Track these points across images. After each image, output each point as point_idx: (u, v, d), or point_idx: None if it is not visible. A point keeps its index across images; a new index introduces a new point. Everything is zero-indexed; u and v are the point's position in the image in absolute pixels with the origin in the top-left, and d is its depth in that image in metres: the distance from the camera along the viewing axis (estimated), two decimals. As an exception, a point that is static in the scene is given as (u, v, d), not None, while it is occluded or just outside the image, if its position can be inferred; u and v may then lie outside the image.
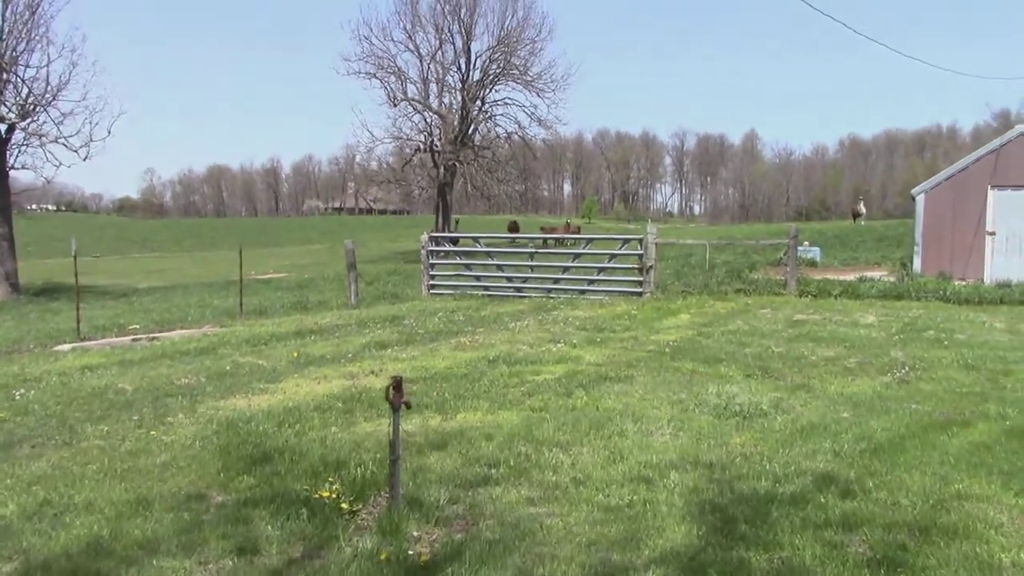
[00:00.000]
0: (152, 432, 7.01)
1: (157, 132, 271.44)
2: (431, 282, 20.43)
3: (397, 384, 5.02)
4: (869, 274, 21.39)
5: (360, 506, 5.15)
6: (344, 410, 7.76)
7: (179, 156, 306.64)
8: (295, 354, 11.10)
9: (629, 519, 4.87)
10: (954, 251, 19.74)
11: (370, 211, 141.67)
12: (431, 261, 20.51)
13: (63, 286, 40.31)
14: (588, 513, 4.99)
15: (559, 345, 11.47)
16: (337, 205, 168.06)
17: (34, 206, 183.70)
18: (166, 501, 5.32)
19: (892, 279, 19.78)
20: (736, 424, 7.02)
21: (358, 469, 5.78)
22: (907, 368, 9.51)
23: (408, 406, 5.17)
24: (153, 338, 13.25)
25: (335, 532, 4.75)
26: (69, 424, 7.42)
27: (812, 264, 25.54)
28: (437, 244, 21.72)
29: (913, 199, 21.66)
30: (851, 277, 20.82)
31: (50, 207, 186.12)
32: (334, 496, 5.22)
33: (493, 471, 5.77)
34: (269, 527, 4.82)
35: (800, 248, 23.40)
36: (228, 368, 10.18)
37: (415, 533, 4.73)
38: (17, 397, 8.71)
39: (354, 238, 72.03)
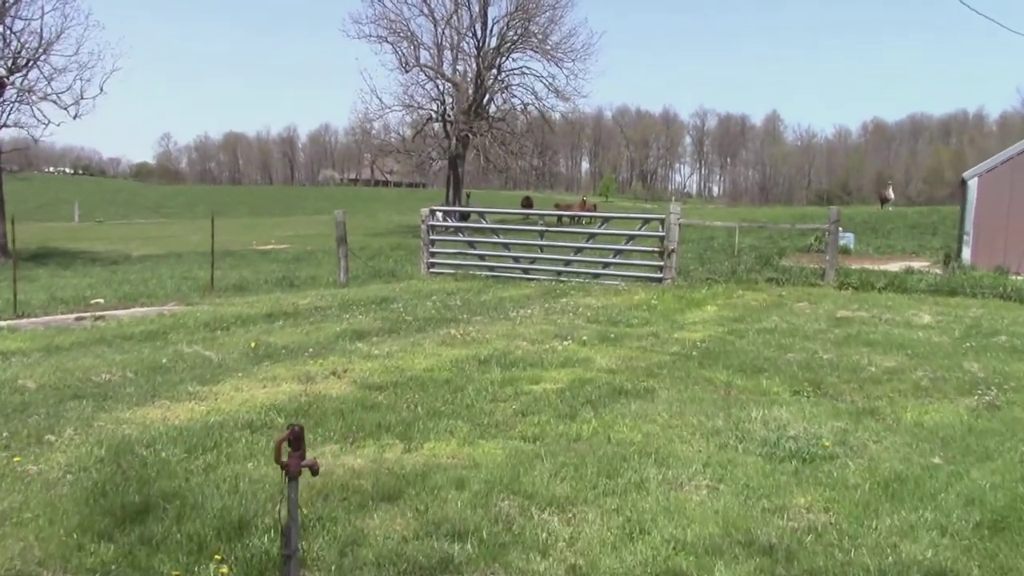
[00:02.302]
0: (16, 458, 5.28)
1: (174, 97, 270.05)
2: (431, 260, 18.65)
3: (294, 437, 3.27)
4: (911, 265, 19.48)
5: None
6: (283, 429, 6.01)
7: (196, 122, 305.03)
8: (253, 344, 9.36)
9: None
10: (1011, 242, 17.79)
11: (386, 183, 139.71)
12: (431, 237, 18.72)
13: (58, 251, 38.83)
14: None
15: (566, 342, 9.68)
16: (353, 176, 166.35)
17: (51, 168, 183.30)
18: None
19: (938, 271, 17.90)
20: (794, 472, 5.24)
21: (263, 539, 4.04)
22: (992, 388, 7.68)
23: (314, 472, 3.42)
24: (99, 317, 11.54)
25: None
26: (-79, 439, 5.71)
27: (845, 251, 23.60)
28: (442, 219, 19.96)
29: (963, 183, 19.70)
30: (892, 267, 18.96)
31: (67, 170, 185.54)
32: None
33: (457, 548, 4.01)
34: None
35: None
36: (165, 361, 8.45)
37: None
38: None
39: (366, 210, 70.33)
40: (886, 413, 6.73)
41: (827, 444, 5.74)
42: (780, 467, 5.31)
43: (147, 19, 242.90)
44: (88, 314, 11.86)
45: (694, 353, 9.14)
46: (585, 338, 9.97)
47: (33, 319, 11.56)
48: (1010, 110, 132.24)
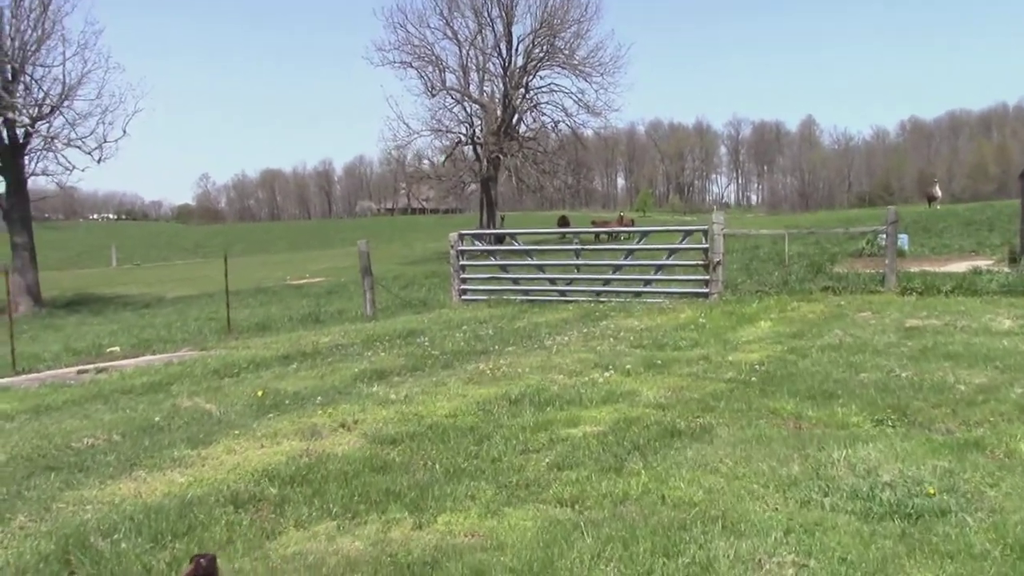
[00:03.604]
0: (-55, 560, 4.37)
1: (212, 138, 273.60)
2: (462, 287, 17.72)
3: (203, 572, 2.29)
4: (975, 264, 18.16)
5: None
6: (276, 502, 5.06)
7: (234, 161, 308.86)
8: (260, 393, 8.43)
9: None
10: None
11: (422, 211, 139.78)
12: (462, 263, 17.78)
13: (92, 297, 38.52)
14: None
15: (607, 373, 8.65)
16: (390, 206, 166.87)
17: (95, 215, 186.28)
18: None
19: (1006, 270, 16.57)
20: (901, 535, 4.16)
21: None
22: (1112, 405, 6.52)
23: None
24: (101, 369, 10.73)
25: None
26: None
27: (900, 254, 22.20)
28: (473, 243, 19.03)
29: (1025, 175, 18.33)
30: (955, 268, 17.66)
31: (111, 216, 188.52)
32: None
33: None
34: None
35: (882, 236, 20.26)
36: (159, 419, 7.55)
37: None
38: None
39: (402, 238, 70.21)
40: (993, 445, 5.60)
41: (932, 492, 4.65)
42: (881, 529, 4.23)
43: (177, 59, 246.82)
44: (92, 366, 11.07)
45: (753, 379, 8.05)
46: (629, 366, 8.92)
47: (32, 375, 10.80)
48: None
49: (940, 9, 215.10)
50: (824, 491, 4.77)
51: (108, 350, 14.26)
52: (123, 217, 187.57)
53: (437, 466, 5.63)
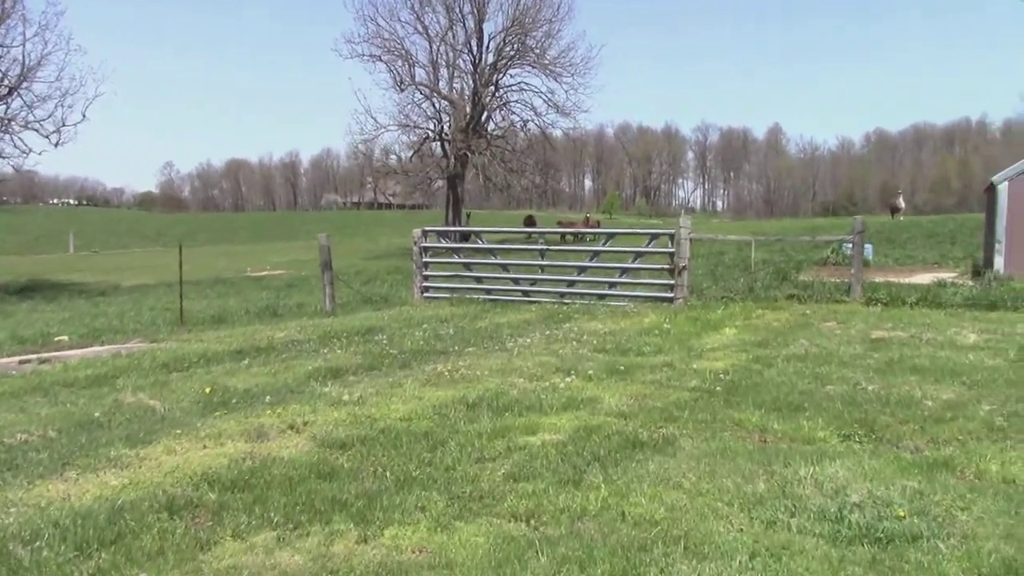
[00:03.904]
0: None
1: (176, 126, 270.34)
2: (424, 284, 17.43)
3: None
4: (939, 276, 18.19)
5: None
6: (214, 509, 4.76)
7: (198, 150, 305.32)
8: (208, 390, 8.09)
9: None
10: (1049, 249, 16.49)
11: (388, 205, 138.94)
12: (424, 260, 17.48)
13: (47, 283, 37.69)
14: None
15: (569, 378, 8.41)
16: (356, 200, 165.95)
17: (55, 200, 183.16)
18: None
19: (970, 283, 16.59)
20: (871, 561, 3.95)
21: None
22: (1081, 426, 6.40)
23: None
24: (44, 360, 10.31)
25: None
26: None
27: (864, 264, 22.24)
28: (437, 239, 18.74)
29: (992, 188, 18.43)
30: (919, 279, 17.68)
31: (71, 201, 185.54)
32: None
33: None
34: None
35: (848, 245, 20.24)
36: (99, 415, 7.19)
37: None
38: None
39: (367, 232, 69.87)
40: (963, 464, 5.43)
41: (903, 515, 4.46)
42: (850, 554, 4.03)
43: (146, 47, 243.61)
44: (35, 356, 10.65)
45: (717, 388, 7.85)
46: (591, 372, 8.69)
47: (-30, 365, 10.33)
48: (1013, 116, 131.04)
49: (907, 23, 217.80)
50: (791, 511, 4.56)
51: (55, 339, 13.81)
52: (84, 203, 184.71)
53: (388, 474, 5.36)
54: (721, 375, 8.50)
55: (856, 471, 5.25)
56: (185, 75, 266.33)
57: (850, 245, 19.37)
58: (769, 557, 3.96)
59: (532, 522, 4.48)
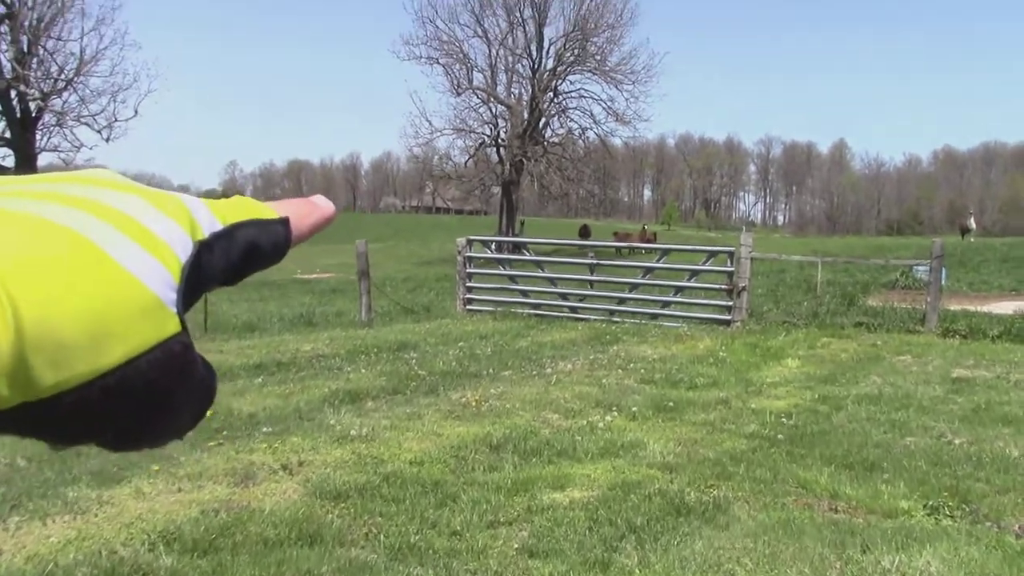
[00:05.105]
0: None
1: (242, 125, 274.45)
2: (467, 296, 16.58)
3: None
4: (1017, 305, 16.86)
5: None
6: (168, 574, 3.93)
7: (262, 149, 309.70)
8: (209, 413, 7.29)
9: None
10: None
11: (446, 210, 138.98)
12: (468, 270, 16.65)
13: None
14: None
15: (611, 415, 7.48)
16: (415, 204, 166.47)
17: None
18: None
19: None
20: None
21: None
22: None
23: None
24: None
25: None
26: None
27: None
28: (482, 249, 17.90)
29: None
30: (999, 308, 16.37)
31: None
32: None
33: None
34: None
35: (920, 267, 18.96)
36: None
37: None
38: None
39: (422, 237, 69.57)
40: (1087, 558, 4.41)
41: (1020, 636, 3.48)
42: None
43: (214, 47, 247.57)
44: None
45: (779, 435, 6.86)
46: (635, 408, 7.75)
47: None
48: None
49: (977, 39, 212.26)
50: (875, 624, 3.60)
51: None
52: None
53: (382, 537, 4.50)
54: (783, 418, 7.51)
55: (952, 562, 4.26)
56: (249, 72, 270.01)
57: (923, 268, 18.20)
58: None
59: (544, 624, 3.58)
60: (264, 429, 6.77)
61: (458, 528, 4.65)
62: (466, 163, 42.99)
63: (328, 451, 6.10)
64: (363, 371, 9.65)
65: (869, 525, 4.83)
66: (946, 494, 5.40)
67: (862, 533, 4.66)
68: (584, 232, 47.65)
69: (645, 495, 5.24)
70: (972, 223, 54.72)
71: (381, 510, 4.91)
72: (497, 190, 44.14)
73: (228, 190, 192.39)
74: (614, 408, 7.75)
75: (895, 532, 4.69)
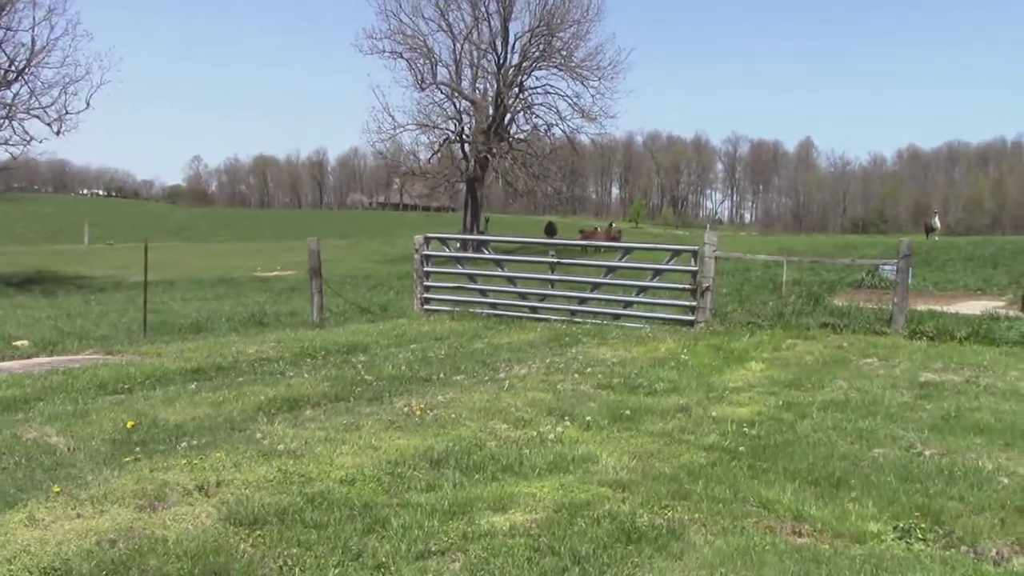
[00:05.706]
0: None
1: (206, 120, 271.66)
2: (425, 295, 16.10)
3: None
4: (986, 305, 16.66)
5: None
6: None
7: (227, 145, 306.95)
8: (131, 423, 6.78)
9: None
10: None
11: (413, 207, 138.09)
12: (426, 269, 16.16)
13: (53, 276, 36.72)
14: None
15: (563, 426, 7.03)
16: (382, 200, 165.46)
17: (85, 190, 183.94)
18: None
19: (1021, 314, 15.05)
20: None
21: None
22: None
23: None
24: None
25: None
26: None
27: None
28: (440, 247, 17.40)
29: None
30: (965, 308, 16.15)
31: (100, 192, 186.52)
32: None
33: None
34: None
35: (887, 267, 18.72)
36: (-16, 456, 5.90)
37: None
38: None
39: (386, 234, 68.74)
40: (1069, 588, 4.03)
41: None
42: None
43: (179, 43, 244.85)
44: (-37, 370, 9.38)
45: (740, 448, 6.44)
46: (589, 417, 7.31)
47: None
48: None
49: (943, 42, 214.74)
50: None
51: (14, 343, 12.61)
52: (113, 194, 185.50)
53: (296, 571, 4.02)
54: (745, 427, 7.10)
55: (927, 596, 3.85)
56: (214, 69, 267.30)
57: (889, 268, 17.92)
58: None
59: None
60: (187, 442, 6.24)
61: (383, 559, 4.17)
62: (430, 159, 42.47)
63: (251, 468, 5.59)
64: (306, 376, 9.13)
65: (836, 552, 4.42)
66: (918, 514, 5.01)
67: (828, 562, 4.25)
68: (550, 229, 47.21)
69: (593, 518, 4.79)
70: (936, 222, 55.00)
71: (300, 538, 4.42)
72: (463, 186, 43.62)
73: (192, 186, 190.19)
74: (567, 417, 7.30)
75: (864, 561, 4.28)
